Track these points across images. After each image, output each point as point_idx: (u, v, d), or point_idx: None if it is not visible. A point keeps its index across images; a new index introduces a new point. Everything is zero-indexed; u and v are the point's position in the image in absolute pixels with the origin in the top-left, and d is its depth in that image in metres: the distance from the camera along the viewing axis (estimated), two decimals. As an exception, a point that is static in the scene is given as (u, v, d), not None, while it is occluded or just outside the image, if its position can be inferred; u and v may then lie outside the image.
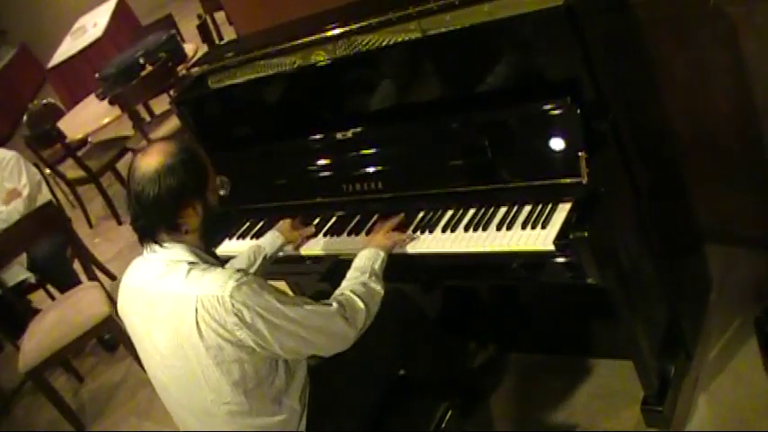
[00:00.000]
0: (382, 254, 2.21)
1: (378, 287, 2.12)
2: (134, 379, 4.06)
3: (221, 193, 2.60)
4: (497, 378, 2.86)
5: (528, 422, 2.67)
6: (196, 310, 1.84)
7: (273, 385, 1.98)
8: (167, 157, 1.90)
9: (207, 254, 2.02)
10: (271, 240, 2.52)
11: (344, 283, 2.13)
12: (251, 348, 1.87)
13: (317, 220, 2.62)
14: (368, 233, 2.41)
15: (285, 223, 2.59)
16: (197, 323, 1.84)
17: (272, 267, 2.56)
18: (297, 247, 2.56)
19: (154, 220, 1.93)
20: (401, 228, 2.33)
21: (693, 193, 2.82)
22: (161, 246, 1.95)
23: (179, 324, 1.88)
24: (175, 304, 1.89)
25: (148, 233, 1.95)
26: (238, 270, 1.91)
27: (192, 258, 1.94)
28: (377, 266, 2.17)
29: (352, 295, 2.06)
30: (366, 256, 2.20)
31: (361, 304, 2.04)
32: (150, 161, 1.89)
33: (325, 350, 2.02)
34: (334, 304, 2.00)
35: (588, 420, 2.56)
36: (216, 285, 1.85)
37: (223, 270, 1.91)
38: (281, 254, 2.55)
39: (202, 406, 1.99)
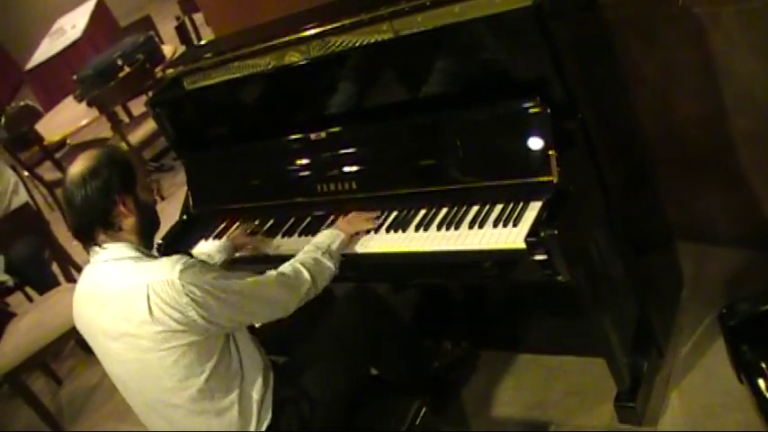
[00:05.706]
0: (342, 235, 2.31)
1: (329, 264, 2.22)
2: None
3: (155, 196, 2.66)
4: (471, 375, 2.88)
5: (502, 419, 2.68)
6: (148, 297, 1.90)
7: (230, 369, 2.03)
8: (90, 161, 2.02)
9: (150, 254, 2.09)
10: (220, 247, 2.62)
11: (298, 255, 2.23)
12: (203, 328, 1.93)
13: (291, 221, 2.63)
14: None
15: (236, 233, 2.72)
16: (150, 308, 1.90)
17: (251, 268, 2.55)
18: (254, 249, 2.63)
19: (87, 220, 2.00)
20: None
21: (663, 191, 2.85)
22: (101, 247, 2.02)
23: (131, 314, 1.93)
24: (127, 296, 1.94)
25: (86, 235, 2.03)
26: (182, 255, 1.99)
27: (135, 254, 2.02)
28: (334, 246, 2.27)
29: (300, 267, 2.16)
30: (325, 235, 2.31)
31: (307, 276, 2.14)
32: (76, 168, 2.01)
33: (267, 317, 2.12)
34: (274, 272, 2.12)
35: (562, 417, 2.58)
36: (164, 271, 1.93)
37: (167, 258, 1.98)
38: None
39: (162, 397, 2.02)
